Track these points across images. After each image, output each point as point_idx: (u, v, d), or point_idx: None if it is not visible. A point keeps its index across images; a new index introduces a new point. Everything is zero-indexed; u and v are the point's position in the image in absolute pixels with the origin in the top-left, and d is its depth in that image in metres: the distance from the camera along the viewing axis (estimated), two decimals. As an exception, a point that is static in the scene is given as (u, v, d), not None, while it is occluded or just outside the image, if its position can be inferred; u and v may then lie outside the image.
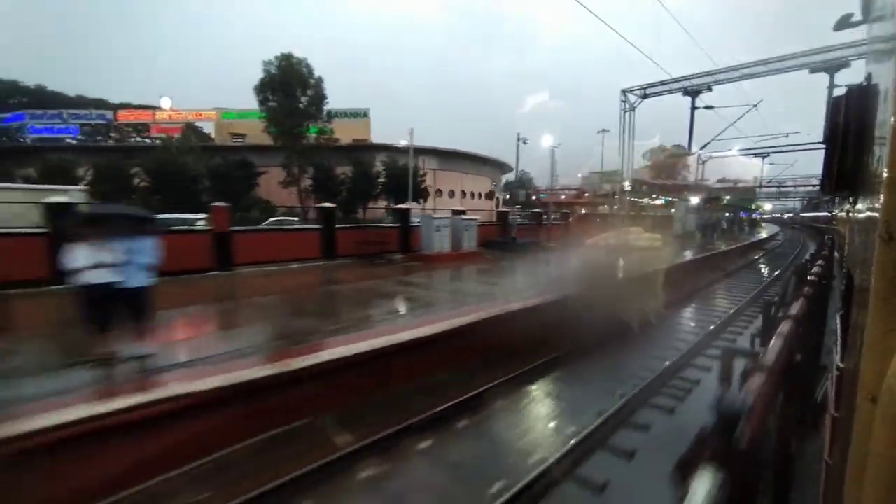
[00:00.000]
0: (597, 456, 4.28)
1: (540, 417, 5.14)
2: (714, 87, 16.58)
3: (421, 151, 36.18)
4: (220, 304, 8.13)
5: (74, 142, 39.06)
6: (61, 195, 8.85)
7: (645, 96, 18.00)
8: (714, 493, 1.06)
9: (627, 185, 21.51)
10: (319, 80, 27.55)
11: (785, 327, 2.06)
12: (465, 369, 6.05)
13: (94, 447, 3.55)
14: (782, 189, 45.91)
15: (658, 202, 50.30)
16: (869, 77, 1.72)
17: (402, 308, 7.49)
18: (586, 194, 60.96)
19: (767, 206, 64.03)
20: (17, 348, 5.26)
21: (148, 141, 40.71)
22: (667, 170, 61.42)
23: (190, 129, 31.21)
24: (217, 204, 10.51)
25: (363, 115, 36.08)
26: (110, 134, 38.49)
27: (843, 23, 4.41)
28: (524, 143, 37.32)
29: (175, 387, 4.00)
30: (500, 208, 47.32)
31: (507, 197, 59.78)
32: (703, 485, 1.08)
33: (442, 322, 6.20)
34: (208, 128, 37.57)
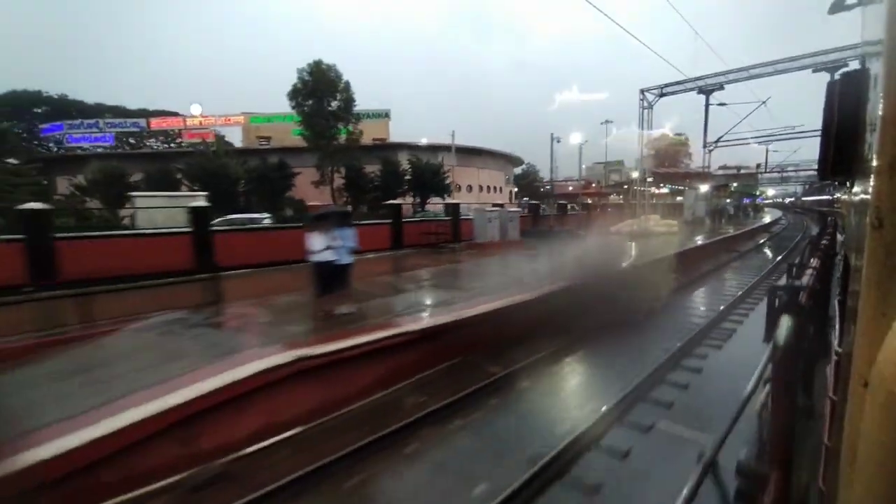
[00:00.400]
0: (698, 348, 6.14)
1: (616, 348, 7.00)
2: (725, 86, 18.27)
3: (440, 148, 37.89)
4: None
5: (103, 149, 40.85)
6: (197, 201, 10.66)
7: (662, 95, 19.69)
8: (790, 327, 2.97)
9: (648, 178, 23.21)
10: (347, 85, 29.22)
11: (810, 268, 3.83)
12: (557, 324, 7.91)
13: (356, 366, 5.40)
14: (784, 174, 47.60)
15: (663, 191, 52.14)
16: (863, 61, 1.73)
17: (495, 282, 9.33)
18: (593, 185, 62.60)
19: (770, 192, 65.54)
20: (248, 313, 7.11)
21: (180, 146, 42.50)
22: (669, 157, 62.91)
23: (218, 137, 32.76)
24: (313, 203, 12.33)
25: (384, 115, 37.79)
26: (144, 141, 40.28)
27: (838, 6, 4.33)
28: (558, 141, 38.97)
29: (387, 330, 5.85)
30: (513, 200, 49.04)
31: (516, 189, 61.42)
32: (785, 322, 3.00)
33: (535, 291, 8.04)
34: (232, 132, 39.29)
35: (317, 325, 6.05)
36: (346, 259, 6.26)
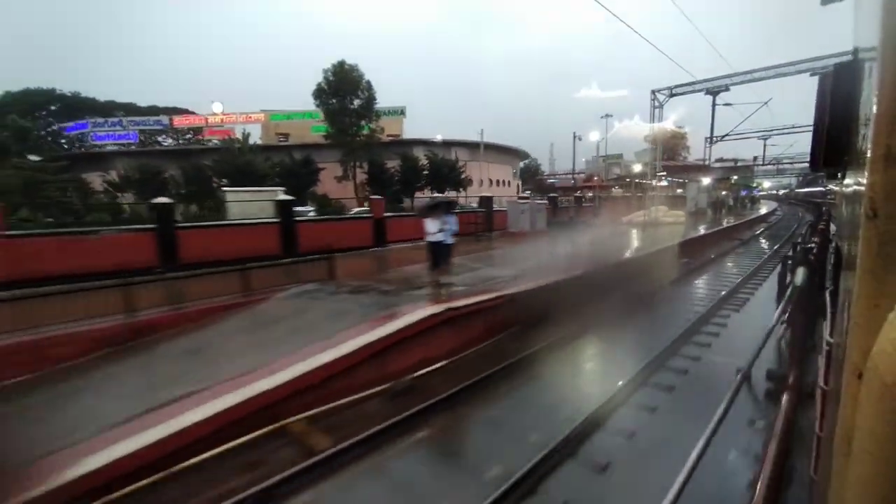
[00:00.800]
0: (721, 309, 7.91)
1: (658, 310, 8.76)
2: (730, 88, 19.99)
3: (453, 144, 39.41)
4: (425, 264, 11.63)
5: (122, 146, 41.99)
6: (280, 195, 12.25)
7: (672, 95, 21.40)
8: (804, 273, 4.83)
9: (661, 173, 24.92)
10: (369, 84, 30.63)
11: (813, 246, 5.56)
12: (604, 293, 9.65)
13: (470, 320, 7.10)
14: (779, 166, 49.54)
15: (663, 183, 54.01)
16: (855, 52, 1.73)
17: (541, 262, 11.05)
18: (595, 178, 64.31)
19: (766, 184, 67.49)
20: (367, 285, 8.78)
21: (199, 142, 43.71)
22: (668, 150, 64.87)
23: (245, 135, 33.91)
24: (374, 197, 13.97)
25: (400, 112, 39.26)
26: (184, 138, 41.56)
27: None
28: (579, 139, 40.71)
29: (487, 294, 7.54)
30: (519, 193, 50.68)
31: (520, 182, 63.08)
32: (800, 272, 4.87)
33: (576, 270, 9.76)
34: (252, 129, 40.37)
35: (434, 290, 7.75)
36: (450, 240, 7.95)
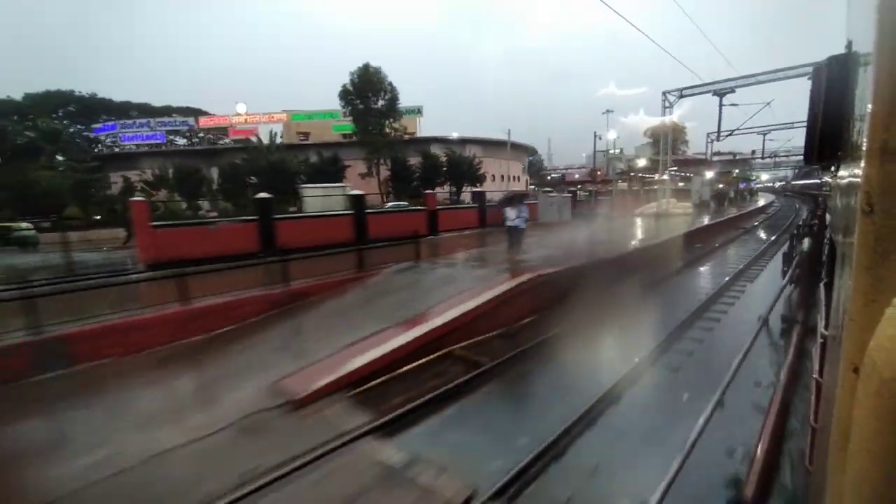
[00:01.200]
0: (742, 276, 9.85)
1: (686, 280, 10.69)
2: (735, 90, 21.90)
3: (468, 141, 41.23)
4: (484, 247, 13.38)
5: (147, 147, 43.57)
6: (348, 191, 14.07)
7: (681, 96, 23.29)
8: (809, 245, 6.86)
9: (672, 168, 26.84)
10: (391, 86, 32.38)
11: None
12: (638, 269, 11.58)
13: (542, 287, 8.99)
14: (776, 160, 51.58)
15: (665, 177, 55.88)
16: (849, 45, 1.72)
17: (579, 246, 12.94)
18: (599, 172, 66.25)
19: (764, 177, 69.57)
20: (455, 261, 10.64)
21: (213, 143, 45.32)
22: (667, 144, 66.60)
23: (272, 135, 35.55)
24: (428, 192, 15.82)
25: (417, 112, 40.97)
26: (197, 137, 43.12)
27: None
28: (600, 139, 42.65)
29: (555, 267, 9.44)
30: (528, 188, 52.51)
31: (528, 177, 64.95)
32: (806, 242, 6.90)
33: (614, 251, 11.67)
34: (263, 128, 42.04)
35: (513, 264, 9.65)
36: (523, 225, 9.84)
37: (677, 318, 7.77)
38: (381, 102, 32.27)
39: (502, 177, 46.42)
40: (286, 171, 30.97)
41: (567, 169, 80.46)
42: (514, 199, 10.03)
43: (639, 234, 16.57)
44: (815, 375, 2.23)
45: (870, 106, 0.87)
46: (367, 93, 31.81)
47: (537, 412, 5.07)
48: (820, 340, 2.39)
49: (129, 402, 5.13)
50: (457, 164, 34.69)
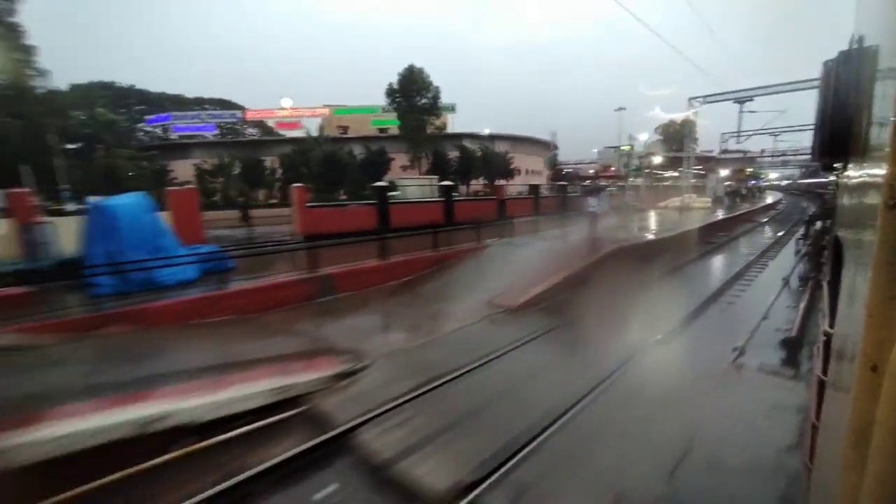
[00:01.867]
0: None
1: (720, 256, 13.73)
2: (753, 98, 24.77)
3: (497, 137, 44.11)
4: (564, 229, 16.41)
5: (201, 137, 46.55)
6: (435, 181, 17.06)
7: (705, 102, 26.17)
8: (822, 223, 10.02)
9: (697, 168, 29.73)
10: (434, 86, 35.20)
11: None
12: (681, 249, 14.61)
13: (621, 256, 12.05)
14: (784, 158, 54.36)
15: (675, 174, 59.13)
16: (860, 40, 1.69)
17: (631, 230, 15.98)
18: (612, 168, 68.91)
19: (773, 175, 72.21)
20: (548, 237, 13.69)
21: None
22: (677, 141, 69.60)
23: (322, 128, 38.61)
24: (499, 182, 18.81)
25: (451, 109, 43.75)
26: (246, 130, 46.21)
27: None
28: (630, 137, 45.46)
29: (630, 241, 12.49)
30: (550, 182, 55.29)
31: (549, 172, 67.67)
32: (818, 222, 10.07)
33: (670, 231, 14.70)
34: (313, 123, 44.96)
35: (594, 240, 12.71)
36: (599, 210, 12.89)
37: (727, 275, 10.86)
38: (423, 100, 35.08)
39: (526, 171, 49.23)
40: (338, 162, 34.02)
41: (578, 164, 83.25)
42: (594, 190, 13.09)
43: (674, 222, 19.59)
44: (819, 374, 2.20)
45: (893, 100, 0.89)
46: (412, 91, 34.61)
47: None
48: (822, 339, 2.37)
49: (396, 313, 8.25)
50: (490, 158, 37.61)
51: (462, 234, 13.92)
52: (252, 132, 55.95)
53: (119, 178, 32.43)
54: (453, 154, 36.28)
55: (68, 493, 3.31)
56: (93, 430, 3.73)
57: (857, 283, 1.19)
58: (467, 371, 5.51)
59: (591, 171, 70.60)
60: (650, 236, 13.69)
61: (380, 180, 36.13)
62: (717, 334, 7.29)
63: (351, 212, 14.69)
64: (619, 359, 5.77)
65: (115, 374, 4.81)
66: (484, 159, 37.42)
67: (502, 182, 34.86)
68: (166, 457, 3.82)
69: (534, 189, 20.94)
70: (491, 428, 4.21)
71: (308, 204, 13.81)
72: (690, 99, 26.40)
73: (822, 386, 2.06)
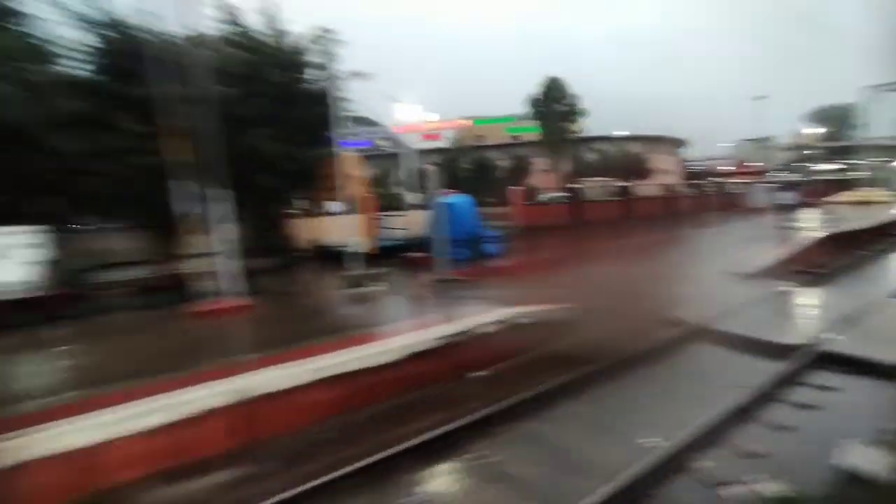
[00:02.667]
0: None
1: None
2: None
3: (630, 138, 44.96)
4: (748, 221, 18.09)
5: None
6: (609, 182, 19.74)
7: (886, 91, 24.79)
8: None
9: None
10: (574, 95, 37.76)
11: None
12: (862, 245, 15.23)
13: (825, 243, 13.54)
14: None
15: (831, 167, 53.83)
16: None
17: (810, 224, 16.86)
18: (749, 163, 63.75)
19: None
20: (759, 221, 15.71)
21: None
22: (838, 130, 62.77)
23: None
24: (636, 182, 20.89)
25: (585, 113, 45.83)
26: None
27: None
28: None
29: (824, 231, 13.87)
30: (681, 181, 53.80)
31: (680, 170, 65.31)
32: None
33: (844, 226, 15.46)
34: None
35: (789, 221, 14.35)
36: (795, 202, 14.48)
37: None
38: (563, 108, 37.75)
39: (659, 170, 48.90)
40: (484, 167, 38.36)
41: (707, 160, 77.77)
42: (788, 185, 14.70)
43: (861, 216, 19.58)
44: None
45: None
46: (552, 100, 37.53)
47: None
48: None
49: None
50: (626, 159, 38.88)
51: (648, 225, 16.47)
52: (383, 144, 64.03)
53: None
54: (590, 156, 38.29)
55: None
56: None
57: None
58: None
59: (726, 168, 66.11)
60: (852, 226, 14.73)
61: (521, 184, 39.77)
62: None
63: (552, 209, 18.10)
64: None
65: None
66: (622, 161, 38.76)
67: (640, 182, 35.93)
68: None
69: (698, 186, 22.36)
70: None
71: (525, 202, 17.53)
72: (868, 87, 25.21)
73: None
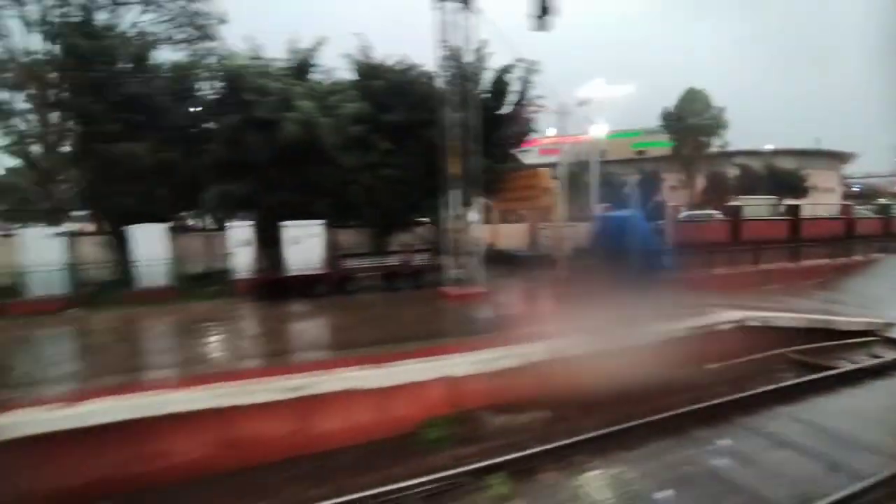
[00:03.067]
0: None
1: None
2: None
3: (780, 153, 40.45)
4: None
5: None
6: (772, 202, 18.39)
7: None
8: None
9: None
10: (712, 105, 35.36)
11: None
12: None
13: None
14: None
15: None
16: None
17: None
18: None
19: None
20: None
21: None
22: None
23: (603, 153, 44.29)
24: (846, 203, 18.89)
25: (725, 126, 42.71)
26: None
27: None
28: None
29: None
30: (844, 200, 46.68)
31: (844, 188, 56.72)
32: None
33: None
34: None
35: None
36: None
37: None
38: (703, 122, 35.55)
39: (816, 188, 43.04)
40: (613, 183, 37.76)
41: (868, 177, 65.89)
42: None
43: None
44: None
45: None
46: (689, 113, 35.58)
47: None
48: None
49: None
50: (777, 175, 35.08)
51: (820, 249, 15.04)
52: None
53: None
54: (732, 172, 35.36)
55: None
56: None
57: None
58: None
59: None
60: None
61: (650, 200, 38.25)
62: None
63: (708, 226, 17.56)
64: None
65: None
66: (769, 177, 35.11)
67: (797, 202, 32.18)
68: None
69: (884, 209, 19.60)
70: None
71: (678, 219, 17.32)
72: None
73: None
